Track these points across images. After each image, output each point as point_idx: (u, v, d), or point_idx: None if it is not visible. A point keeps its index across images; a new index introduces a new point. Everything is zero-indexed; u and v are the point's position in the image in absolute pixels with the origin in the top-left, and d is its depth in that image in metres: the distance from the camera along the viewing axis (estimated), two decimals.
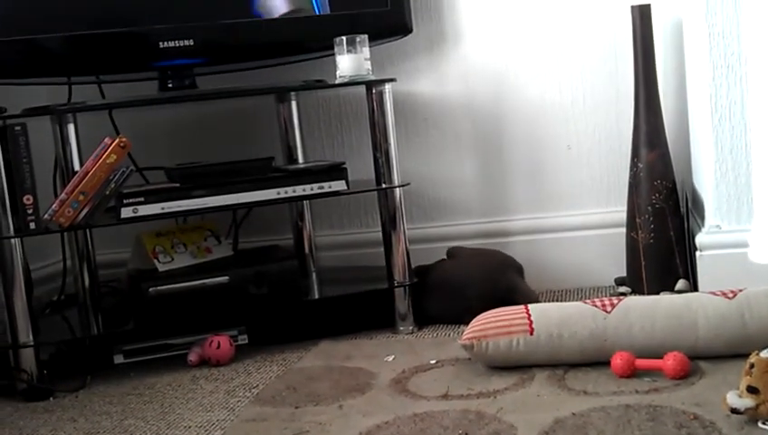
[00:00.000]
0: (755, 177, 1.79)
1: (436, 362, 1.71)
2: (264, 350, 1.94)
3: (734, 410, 1.23)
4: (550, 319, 1.59)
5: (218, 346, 1.86)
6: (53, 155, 2.08)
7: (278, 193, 1.92)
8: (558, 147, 2.23)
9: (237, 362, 1.87)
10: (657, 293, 1.88)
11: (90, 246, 2.13)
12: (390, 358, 1.77)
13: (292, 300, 2.03)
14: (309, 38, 2.10)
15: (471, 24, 2.25)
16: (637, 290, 2.01)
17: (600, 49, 2.18)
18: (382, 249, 2.01)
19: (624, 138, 2.12)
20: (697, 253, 1.83)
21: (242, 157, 2.11)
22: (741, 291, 1.57)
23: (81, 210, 1.80)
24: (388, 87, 1.95)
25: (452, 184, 2.30)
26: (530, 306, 1.64)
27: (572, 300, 2.05)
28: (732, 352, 1.51)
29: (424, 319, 2.00)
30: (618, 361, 1.50)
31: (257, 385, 1.71)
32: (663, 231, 1.96)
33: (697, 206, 1.93)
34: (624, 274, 2.07)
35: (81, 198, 1.79)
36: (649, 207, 1.97)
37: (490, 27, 2.24)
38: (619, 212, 2.10)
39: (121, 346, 1.93)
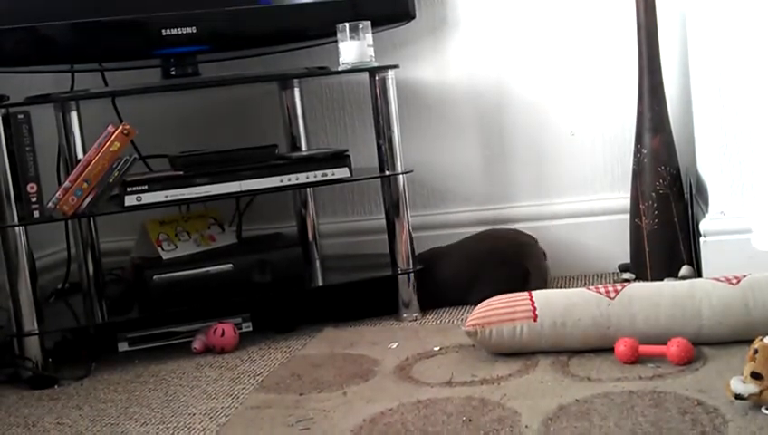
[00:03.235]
0: (760, 163, 1.79)
1: (440, 349, 1.71)
2: (268, 337, 1.94)
3: (738, 396, 1.23)
4: (553, 306, 1.59)
5: (222, 334, 1.87)
6: (57, 143, 2.08)
7: (281, 181, 1.92)
8: (561, 133, 2.23)
9: (241, 350, 1.87)
10: (661, 279, 1.88)
11: (94, 235, 2.13)
12: (394, 345, 1.77)
13: (296, 287, 2.03)
14: (312, 25, 2.09)
15: (473, 11, 2.24)
16: (641, 276, 2.00)
17: (603, 34, 2.17)
18: (386, 236, 2.02)
19: (628, 124, 2.12)
20: (701, 239, 1.82)
21: (245, 144, 2.11)
22: (745, 277, 1.56)
23: (85, 198, 1.80)
24: (390, 74, 1.95)
25: (455, 171, 2.30)
26: (533, 293, 1.64)
27: (576, 286, 2.04)
28: (736, 338, 1.51)
29: (430, 297, 2.01)
30: (621, 347, 1.50)
31: (261, 372, 1.71)
32: (667, 217, 1.96)
33: (701, 192, 1.92)
34: (628, 260, 2.07)
35: (85, 186, 1.80)
36: (653, 194, 1.97)
37: (492, 13, 2.23)
38: (623, 198, 2.10)
39: (126, 334, 1.94)
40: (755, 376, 1.23)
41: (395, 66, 1.96)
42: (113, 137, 1.81)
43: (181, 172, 1.89)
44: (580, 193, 2.23)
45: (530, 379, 1.49)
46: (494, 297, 1.66)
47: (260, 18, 2.04)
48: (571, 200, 2.24)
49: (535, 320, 1.58)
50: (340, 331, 1.93)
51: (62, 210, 1.80)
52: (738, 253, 1.77)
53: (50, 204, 1.80)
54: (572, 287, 1.98)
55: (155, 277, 1.94)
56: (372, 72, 1.94)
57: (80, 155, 2.04)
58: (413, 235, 2.01)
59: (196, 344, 1.89)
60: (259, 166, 1.92)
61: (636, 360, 1.49)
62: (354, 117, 2.35)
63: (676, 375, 1.42)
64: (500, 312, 1.60)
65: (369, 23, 1.92)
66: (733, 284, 1.55)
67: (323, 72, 2.07)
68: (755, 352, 1.25)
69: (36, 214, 1.79)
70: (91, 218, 2.10)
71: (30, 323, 1.80)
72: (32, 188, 1.78)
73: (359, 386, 1.55)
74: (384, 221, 2.02)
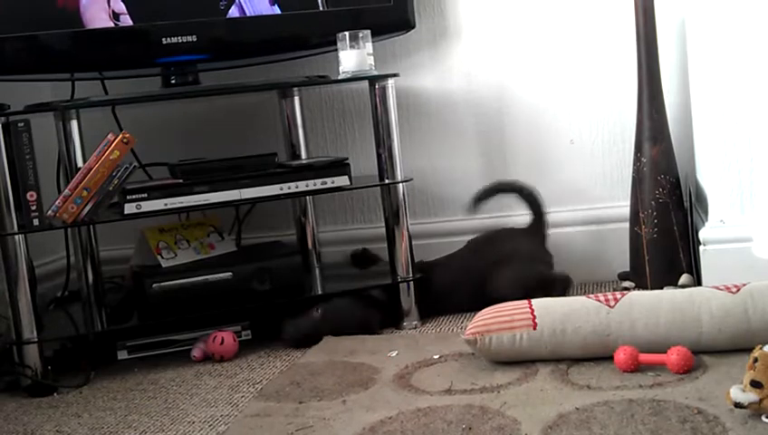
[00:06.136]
0: (759, 171, 1.79)
1: (440, 358, 1.71)
2: (267, 345, 1.94)
3: (738, 405, 1.23)
4: (553, 314, 1.59)
5: (222, 342, 1.86)
6: (57, 151, 2.08)
7: (281, 189, 1.92)
8: (561, 141, 2.23)
9: (241, 358, 1.87)
10: (661, 287, 1.88)
11: (93, 243, 2.13)
12: (394, 353, 1.77)
13: (296, 296, 2.03)
14: (312, 34, 2.10)
15: (473, 19, 2.24)
16: (640, 285, 2.00)
17: (602, 43, 2.18)
18: (385, 245, 2.02)
19: (627, 132, 2.12)
20: (701, 247, 1.82)
21: (245, 153, 2.11)
22: (744, 285, 1.56)
23: (85, 206, 1.80)
24: (390, 82, 1.95)
25: (455, 179, 2.30)
26: (533, 301, 1.64)
27: (576, 295, 2.04)
28: (735, 347, 1.51)
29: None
30: (621, 355, 1.50)
31: (261, 380, 1.71)
32: (666, 226, 1.96)
33: (701, 200, 1.93)
34: (627, 268, 2.07)
35: (85, 194, 1.80)
36: (653, 202, 1.97)
37: (492, 22, 2.23)
38: (623, 207, 2.10)
39: (125, 342, 1.94)
40: (755, 384, 1.23)
41: (395, 75, 1.97)
42: (113, 145, 1.81)
43: (181, 180, 1.89)
44: (580, 201, 2.23)
45: (530, 387, 1.48)
46: (494, 305, 1.66)
47: (260, 27, 2.04)
48: (570, 209, 2.24)
49: (535, 328, 1.58)
50: (339, 339, 1.93)
51: (62, 218, 1.80)
52: (738, 261, 1.77)
53: (50, 212, 1.80)
54: (572, 296, 1.98)
55: (154, 285, 1.94)
56: (372, 80, 1.95)
57: (80, 163, 2.04)
58: (413, 243, 2.01)
59: (196, 352, 1.89)
60: (259, 174, 1.92)
61: (636, 368, 1.49)
62: (354, 125, 2.35)
63: (676, 384, 1.42)
64: (500, 320, 1.60)
65: (368, 32, 1.93)
66: (732, 292, 1.55)
67: (323, 80, 2.07)
68: (755, 360, 1.25)
69: (36, 222, 1.79)
70: (91, 226, 2.10)
71: (29, 331, 1.80)
72: (31, 196, 1.78)
73: (358, 394, 1.55)
74: (384, 229, 2.02)
